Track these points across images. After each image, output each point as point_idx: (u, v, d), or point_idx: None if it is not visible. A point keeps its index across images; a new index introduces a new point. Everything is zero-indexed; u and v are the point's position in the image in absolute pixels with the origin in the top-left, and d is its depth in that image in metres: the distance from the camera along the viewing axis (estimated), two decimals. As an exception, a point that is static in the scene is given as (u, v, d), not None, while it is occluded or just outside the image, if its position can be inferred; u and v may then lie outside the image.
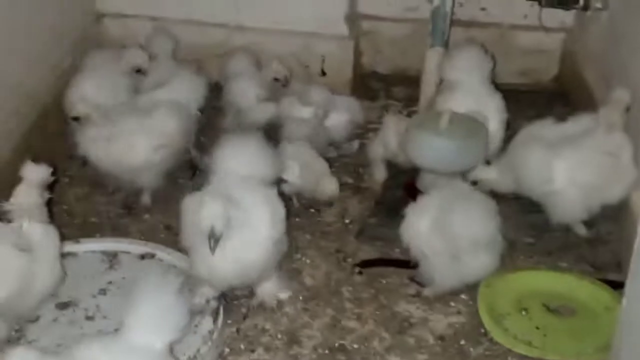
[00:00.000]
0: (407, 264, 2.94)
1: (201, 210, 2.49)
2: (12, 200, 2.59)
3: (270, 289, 2.80)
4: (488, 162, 3.29)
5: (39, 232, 2.60)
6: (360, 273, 3.00)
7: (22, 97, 3.37)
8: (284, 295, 2.84)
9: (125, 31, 4.12)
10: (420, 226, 2.84)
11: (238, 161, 2.75)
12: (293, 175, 3.17)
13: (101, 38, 4.14)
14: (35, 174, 2.64)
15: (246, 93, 3.69)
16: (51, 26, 3.63)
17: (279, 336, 2.70)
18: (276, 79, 3.76)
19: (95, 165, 3.25)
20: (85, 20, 4.03)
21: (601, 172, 3.04)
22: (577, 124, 3.19)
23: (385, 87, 4.22)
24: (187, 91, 3.52)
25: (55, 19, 3.66)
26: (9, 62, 3.24)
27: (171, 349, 2.22)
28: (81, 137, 3.22)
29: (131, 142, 3.17)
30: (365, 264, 3.05)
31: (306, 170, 3.23)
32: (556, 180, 3.05)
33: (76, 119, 3.21)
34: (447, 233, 2.78)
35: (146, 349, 2.13)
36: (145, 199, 3.33)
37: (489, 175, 3.24)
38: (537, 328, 2.75)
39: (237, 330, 2.71)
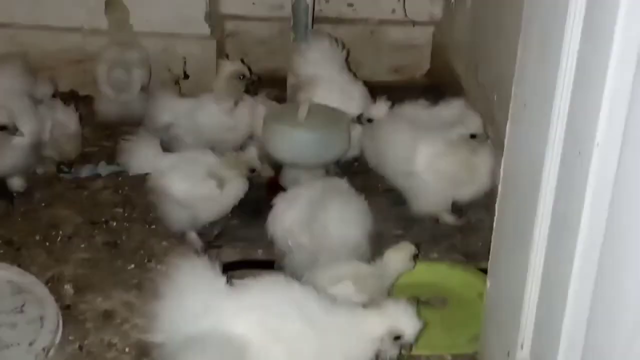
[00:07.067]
0: (272, 264, 2.76)
1: None
2: None
3: None
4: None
5: None
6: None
7: None
8: None
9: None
10: (287, 219, 2.67)
11: None
12: None
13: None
14: None
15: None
16: None
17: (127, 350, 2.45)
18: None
19: None
20: None
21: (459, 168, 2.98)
22: (447, 107, 3.12)
23: (253, 89, 4.02)
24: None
25: None
26: None
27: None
28: None
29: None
30: (228, 266, 2.84)
31: None
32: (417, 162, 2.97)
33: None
34: (317, 230, 2.62)
35: None
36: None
37: (380, 112, 3.09)
38: (409, 322, 2.60)
39: (80, 348, 2.46)
